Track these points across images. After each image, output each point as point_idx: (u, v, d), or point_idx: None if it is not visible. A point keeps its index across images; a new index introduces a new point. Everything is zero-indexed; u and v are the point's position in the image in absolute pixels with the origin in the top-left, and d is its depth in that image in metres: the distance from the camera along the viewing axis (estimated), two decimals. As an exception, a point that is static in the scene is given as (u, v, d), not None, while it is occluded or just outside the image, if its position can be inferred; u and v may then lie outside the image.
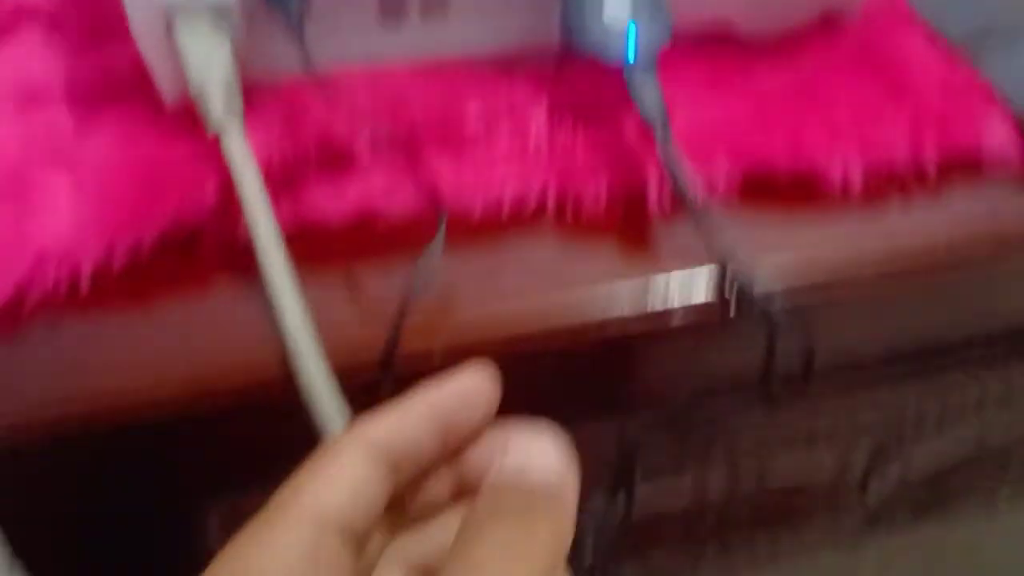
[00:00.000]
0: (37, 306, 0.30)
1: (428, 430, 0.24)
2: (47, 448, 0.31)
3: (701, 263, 0.33)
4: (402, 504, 0.25)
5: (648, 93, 0.34)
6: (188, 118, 0.33)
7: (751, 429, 0.42)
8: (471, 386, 0.25)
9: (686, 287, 0.33)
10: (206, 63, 0.32)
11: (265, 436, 0.33)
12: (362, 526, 0.22)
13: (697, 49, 0.39)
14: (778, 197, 0.35)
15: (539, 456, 0.23)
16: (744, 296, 0.31)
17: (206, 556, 0.35)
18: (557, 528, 0.22)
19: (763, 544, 0.47)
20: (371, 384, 0.31)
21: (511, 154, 0.35)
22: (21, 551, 0.32)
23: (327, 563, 0.20)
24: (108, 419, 0.29)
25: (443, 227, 0.32)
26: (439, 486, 0.25)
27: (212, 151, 0.32)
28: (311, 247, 0.33)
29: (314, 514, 0.21)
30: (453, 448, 0.25)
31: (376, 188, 0.34)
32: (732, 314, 0.32)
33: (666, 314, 0.33)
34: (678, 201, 0.34)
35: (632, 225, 0.34)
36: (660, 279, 0.33)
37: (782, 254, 0.34)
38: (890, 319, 0.41)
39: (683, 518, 0.45)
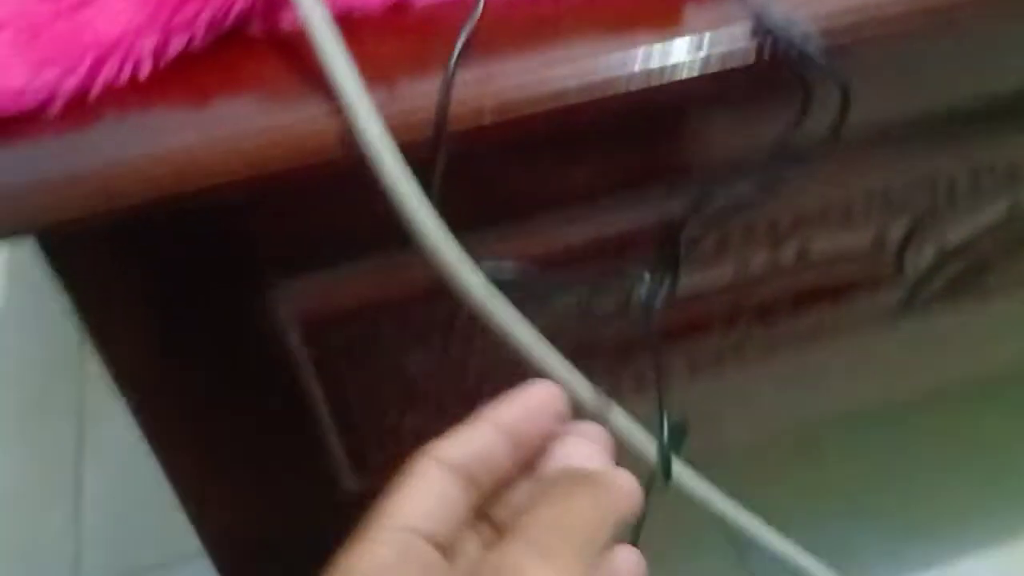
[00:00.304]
0: (102, 95, 0.31)
1: (498, 444, 0.27)
2: (122, 233, 0.32)
3: (734, 17, 0.33)
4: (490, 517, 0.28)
5: None
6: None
7: (788, 206, 0.44)
8: (535, 403, 0.28)
9: (722, 41, 0.33)
10: None
11: (331, 216, 0.35)
12: (447, 533, 0.25)
13: None
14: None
15: (584, 448, 0.28)
16: (780, 38, 0.32)
17: (276, 334, 0.37)
18: (597, 503, 0.25)
19: (805, 321, 0.49)
20: (425, 159, 0.32)
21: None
22: (100, 334, 0.34)
23: (419, 560, 0.24)
24: (178, 201, 0.30)
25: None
26: (522, 496, 0.28)
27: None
28: (350, 33, 0.33)
29: (402, 523, 0.24)
30: (527, 459, 0.28)
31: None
32: (767, 55, 0.32)
33: (706, 68, 0.33)
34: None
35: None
36: (696, 36, 0.34)
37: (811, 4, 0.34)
38: (918, 82, 0.41)
39: (726, 298, 0.46)
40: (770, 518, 0.45)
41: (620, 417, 0.35)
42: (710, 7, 0.35)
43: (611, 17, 0.35)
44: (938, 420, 0.81)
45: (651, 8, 0.35)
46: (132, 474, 0.81)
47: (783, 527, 0.46)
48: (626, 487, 0.27)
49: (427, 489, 0.25)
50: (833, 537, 0.74)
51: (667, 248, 0.41)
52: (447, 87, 0.31)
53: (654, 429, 0.37)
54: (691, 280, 0.44)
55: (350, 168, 0.30)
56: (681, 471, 0.35)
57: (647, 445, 0.33)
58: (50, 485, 0.87)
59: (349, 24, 0.34)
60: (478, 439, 0.26)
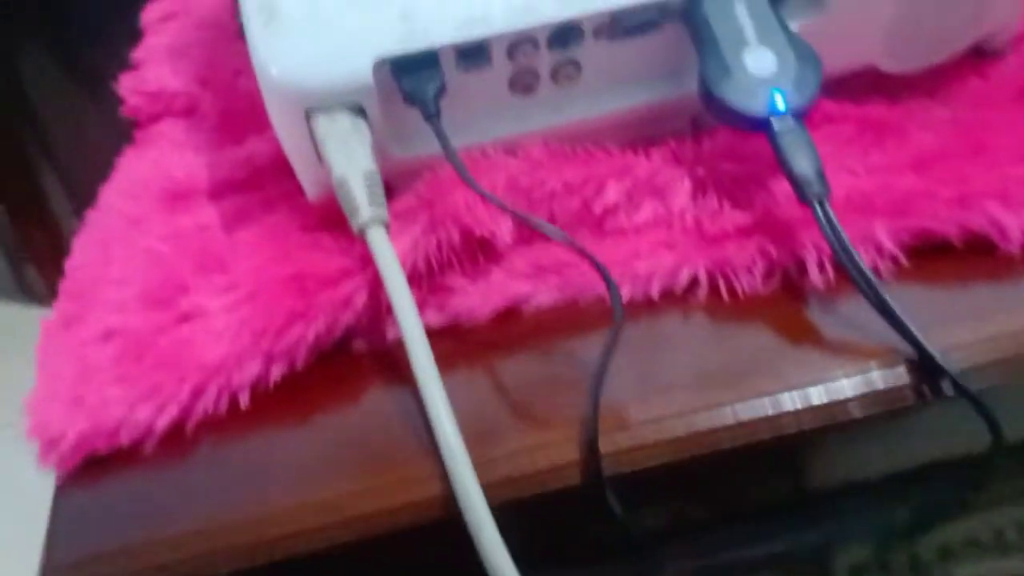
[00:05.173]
0: (200, 426, 0.30)
1: None
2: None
3: (875, 343, 0.31)
4: None
5: (801, 155, 0.32)
6: (332, 214, 0.33)
7: (933, 533, 0.40)
8: None
9: (863, 371, 0.30)
10: (347, 157, 0.31)
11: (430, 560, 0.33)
12: None
13: (839, 99, 0.37)
14: (949, 263, 0.32)
15: None
16: (934, 377, 0.29)
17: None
18: None
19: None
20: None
21: (656, 234, 0.33)
22: None
23: None
24: (278, 545, 0.28)
25: (619, 324, 0.30)
26: None
27: (358, 249, 0.32)
28: (459, 343, 0.32)
29: None
30: None
31: (520, 278, 0.33)
32: (928, 398, 0.29)
33: (843, 404, 0.30)
34: (841, 274, 0.32)
35: (793, 303, 0.32)
36: (833, 362, 0.31)
37: (960, 326, 0.31)
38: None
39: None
40: None
41: None
42: (845, 314, 0.32)
43: (736, 320, 0.32)
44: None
45: (779, 310, 0.32)
46: None
47: None
48: None
49: None
50: None
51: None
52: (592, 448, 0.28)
53: None
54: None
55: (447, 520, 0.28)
56: None
57: None
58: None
59: (457, 333, 0.33)
60: None
